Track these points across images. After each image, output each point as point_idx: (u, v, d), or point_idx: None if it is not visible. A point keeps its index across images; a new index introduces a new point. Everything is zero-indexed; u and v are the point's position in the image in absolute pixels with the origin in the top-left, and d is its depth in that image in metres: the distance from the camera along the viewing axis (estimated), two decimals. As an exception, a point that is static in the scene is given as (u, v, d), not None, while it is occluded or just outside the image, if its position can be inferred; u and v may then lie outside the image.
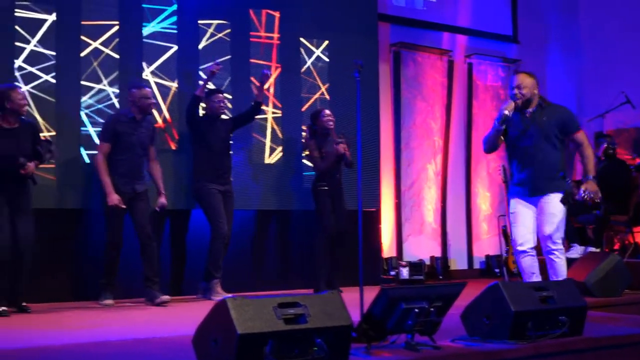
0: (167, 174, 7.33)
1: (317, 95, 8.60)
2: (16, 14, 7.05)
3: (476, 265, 10.26)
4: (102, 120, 7.30)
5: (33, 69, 7.08)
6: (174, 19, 7.83)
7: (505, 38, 10.93)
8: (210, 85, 7.82)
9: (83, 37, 7.36)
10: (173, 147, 7.68)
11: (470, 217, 10.31)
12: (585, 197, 5.65)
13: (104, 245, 6.82)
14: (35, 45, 7.10)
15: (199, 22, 7.99)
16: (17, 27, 7.04)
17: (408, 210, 9.77)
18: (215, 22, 8.07)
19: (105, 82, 7.41)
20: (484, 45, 10.64)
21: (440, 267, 9.66)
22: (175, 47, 7.81)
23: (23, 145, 6.23)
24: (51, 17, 7.19)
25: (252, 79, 8.16)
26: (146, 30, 7.68)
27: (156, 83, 7.64)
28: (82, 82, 7.32)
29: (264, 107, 8.05)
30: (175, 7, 7.84)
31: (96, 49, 7.40)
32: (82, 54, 7.34)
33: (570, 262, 7.45)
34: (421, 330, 4.10)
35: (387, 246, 9.48)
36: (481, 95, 10.53)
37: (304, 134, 8.22)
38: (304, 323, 3.57)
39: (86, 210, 7.28)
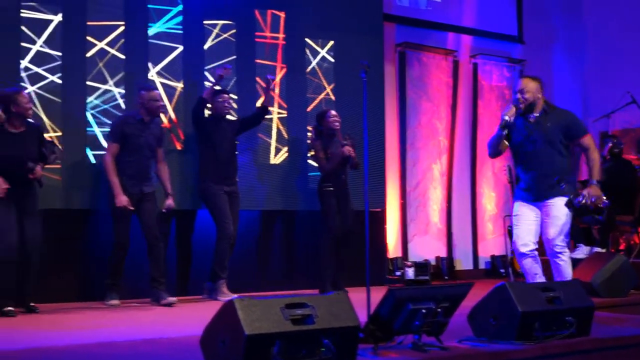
0: (173, 175, 7.33)
1: (322, 96, 8.60)
2: (22, 14, 7.05)
3: (481, 266, 10.25)
4: (107, 121, 7.31)
5: (39, 70, 7.09)
6: (180, 19, 7.83)
7: (511, 38, 10.92)
8: (217, 86, 7.83)
9: (89, 38, 7.36)
10: (179, 147, 7.68)
11: (475, 217, 10.29)
12: (585, 201, 5.61)
13: (111, 246, 6.83)
14: (41, 46, 7.11)
15: (205, 22, 7.99)
16: (23, 28, 7.04)
17: (413, 210, 9.77)
18: (221, 22, 8.07)
19: (111, 82, 7.42)
20: (489, 46, 10.63)
21: (446, 268, 9.65)
22: (181, 48, 7.81)
23: (30, 149, 6.24)
24: (57, 18, 7.20)
25: (258, 79, 8.16)
26: (152, 31, 7.68)
27: (162, 83, 7.65)
28: (88, 83, 7.33)
29: (269, 108, 8.05)
30: (180, 7, 7.84)
31: (102, 49, 7.41)
32: (88, 55, 7.35)
33: (576, 262, 7.44)
34: (428, 331, 4.11)
35: (393, 246, 9.47)
36: (486, 95, 10.52)
37: (309, 134, 8.22)
38: (312, 324, 3.58)
39: (92, 210, 7.29)
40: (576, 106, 10.52)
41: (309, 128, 8.24)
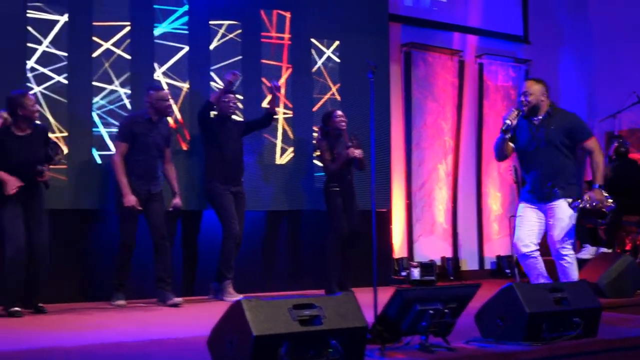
0: (179, 175, 7.32)
1: (327, 96, 8.60)
2: (28, 15, 7.06)
3: (487, 266, 10.23)
4: (113, 121, 7.32)
5: (45, 70, 7.10)
6: (185, 19, 7.83)
7: (516, 38, 10.90)
8: (221, 85, 7.84)
9: (94, 38, 7.36)
10: (184, 147, 7.68)
11: (481, 218, 10.28)
12: (584, 205, 5.59)
13: (117, 246, 6.83)
14: (47, 46, 7.12)
15: (210, 22, 7.99)
16: (29, 28, 7.05)
17: (419, 210, 9.76)
18: (226, 22, 8.07)
19: (116, 82, 7.42)
20: (494, 46, 10.61)
21: (451, 268, 9.64)
22: (187, 48, 7.81)
23: (37, 151, 6.26)
24: (63, 18, 7.21)
25: (264, 79, 8.17)
26: (157, 31, 7.68)
27: (167, 84, 7.64)
28: (94, 83, 7.33)
29: (275, 109, 8.09)
30: (186, 7, 7.84)
31: (108, 49, 7.41)
32: (94, 55, 7.35)
33: (582, 263, 7.44)
34: (435, 332, 4.11)
35: (398, 247, 9.46)
36: (492, 96, 10.51)
37: (315, 134, 8.21)
38: (319, 325, 3.58)
39: (98, 211, 7.30)
40: (582, 106, 10.51)
41: (315, 128, 8.24)
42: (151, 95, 6.94)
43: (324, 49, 8.65)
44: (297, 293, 7.79)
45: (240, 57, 8.11)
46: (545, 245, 5.83)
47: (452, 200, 10.03)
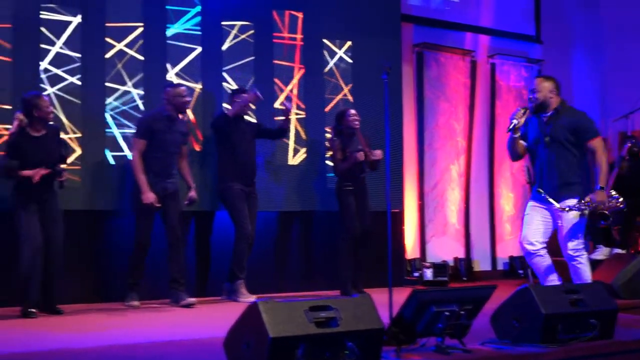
0: (192, 175, 7.32)
1: (340, 96, 8.59)
2: (41, 16, 7.07)
3: (500, 267, 10.21)
4: (127, 122, 7.33)
5: (59, 71, 7.11)
6: (198, 20, 7.84)
7: (528, 38, 10.87)
8: (234, 85, 7.85)
9: (108, 39, 7.37)
10: (197, 148, 7.68)
11: (493, 218, 10.26)
12: (586, 207, 5.56)
13: (132, 246, 6.84)
14: (60, 47, 7.13)
15: (223, 23, 7.99)
16: (42, 29, 7.06)
17: (431, 211, 9.74)
18: (239, 23, 8.07)
19: (129, 83, 7.43)
20: (506, 46, 10.59)
21: (464, 269, 9.62)
22: (199, 49, 7.82)
23: (52, 152, 6.28)
24: (76, 19, 7.22)
25: (276, 80, 8.17)
26: (170, 32, 7.69)
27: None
28: (107, 84, 7.34)
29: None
30: (198, 8, 7.85)
31: (121, 50, 7.42)
32: (107, 56, 7.36)
33: (596, 264, 7.41)
34: (451, 333, 4.10)
35: (411, 247, 9.45)
36: (504, 96, 10.48)
37: (327, 135, 8.21)
38: (336, 326, 3.58)
39: (111, 211, 7.31)
40: (595, 106, 10.47)
41: (327, 129, 8.24)
42: (168, 92, 6.95)
43: (336, 49, 8.64)
44: (311, 294, 7.81)
45: (252, 57, 8.11)
46: (556, 244, 5.80)
47: (465, 201, 10.01)
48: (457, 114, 10.05)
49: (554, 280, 5.69)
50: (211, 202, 7.66)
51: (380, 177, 8.12)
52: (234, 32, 8.04)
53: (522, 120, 5.76)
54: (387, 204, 5.22)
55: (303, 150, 8.31)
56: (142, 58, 7.51)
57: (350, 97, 8.62)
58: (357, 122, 7.73)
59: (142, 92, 7.47)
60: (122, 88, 7.41)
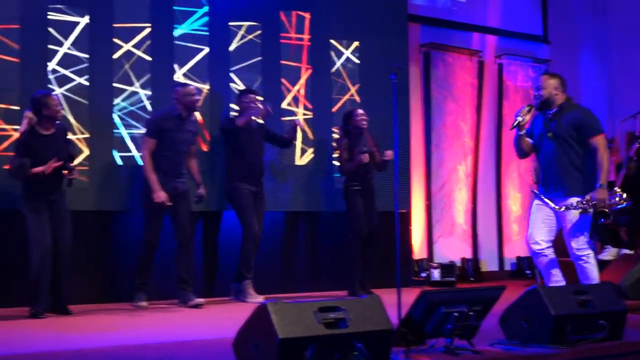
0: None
1: (347, 97, 8.59)
2: (49, 17, 7.08)
3: (507, 267, 10.21)
4: (134, 123, 7.34)
5: (66, 72, 7.12)
6: (205, 20, 7.84)
7: (536, 38, 10.86)
8: (241, 86, 7.85)
9: (115, 40, 7.38)
10: (205, 149, 7.68)
11: (501, 219, 10.25)
12: (586, 206, 5.53)
13: (140, 246, 6.85)
14: (68, 48, 7.14)
15: (230, 24, 7.99)
16: (50, 30, 7.07)
17: (438, 211, 9.74)
18: (246, 23, 8.08)
19: (137, 84, 7.44)
20: (514, 46, 10.58)
21: (471, 269, 9.61)
22: (207, 49, 7.82)
23: (61, 150, 6.28)
24: (84, 20, 7.23)
25: (284, 80, 8.18)
26: (177, 32, 7.70)
27: (188, 85, 7.65)
28: (115, 85, 7.35)
29: (294, 109, 8.08)
30: (206, 9, 7.85)
31: (128, 51, 7.43)
32: (115, 56, 7.37)
33: (604, 264, 7.39)
34: (460, 334, 4.09)
35: (418, 248, 9.44)
36: (511, 96, 10.47)
37: (334, 135, 8.21)
38: (345, 327, 3.57)
39: (119, 212, 7.32)
40: (602, 106, 10.44)
41: (334, 129, 8.24)
42: (178, 92, 6.96)
43: (343, 49, 8.64)
44: (318, 294, 7.81)
45: (259, 58, 8.11)
46: (563, 244, 5.78)
47: (472, 201, 10.00)
48: (464, 114, 10.04)
49: (558, 278, 5.67)
50: (219, 202, 7.67)
51: (387, 178, 8.12)
52: (241, 32, 8.04)
53: (527, 117, 5.75)
54: (395, 205, 5.20)
55: (310, 150, 8.31)
56: (149, 59, 7.52)
57: (357, 98, 8.62)
58: (364, 122, 7.73)
59: (149, 93, 7.48)
60: (130, 89, 7.41)
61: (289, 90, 8.24)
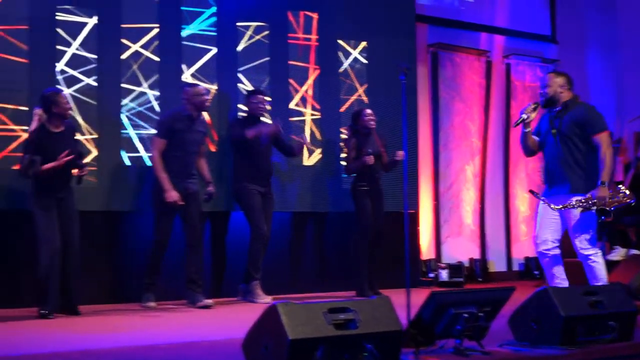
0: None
1: (354, 97, 8.58)
2: (57, 17, 7.09)
3: (515, 267, 10.19)
4: (142, 123, 7.35)
5: (75, 72, 7.13)
6: (213, 20, 7.85)
7: (544, 38, 10.85)
8: (249, 86, 7.85)
9: (123, 40, 7.39)
10: (213, 149, 7.68)
11: (509, 219, 10.24)
12: (586, 204, 5.51)
13: (150, 245, 6.85)
14: (76, 49, 7.15)
15: (238, 24, 8.00)
16: (58, 30, 7.08)
17: (446, 211, 9.73)
18: (254, 24, 8.08)
19: (145, 85, 7.45)
20: (522, 46, 10.56)
21: (479, 269, 9.60)
22: (215, 50, 7.82)
23: (72, 148, 6.28)
24: (92, 21, 7.24)
25: (291, 80, 8.18)
26: (185, 33, 7.70)
27: (196, 85, 7.66)
28: (123, 85, 7.36)
29: (302, 109, 8.09)
30: (214, 9, 7.86)
31: (136, 51, 7.44)
32: (123, 57, 7.38)
33: (612, 265, 7.37)
34: (470, 335, 4.08)
35: (426, 248, 9.44)
36: (520, 96, 10.45)
37: (342, 135, 8.21)
38: (355, 328, 3.57)
39: (127, 212, 7.33)
40: (610, 106, 10.41)
41: (342, 130, 8.24)
42: (187, 92, 6.96)
43: (350, 50, 8.63)
44: (326, 294, 7.81)
45: (267, 58, 8.11)
46: (569, 244, 5.76)
47: (480, 202, 9.99)
48: (472, 114, 10.03)
49: (560, 279, 5.65)
50: (227, 202, 7.67)
51: (395, 178, 8.12)
52: (249, 32, 8.04)
53: (533, 115, 5.74)
54: (404, 205, 5.19)
55: (318, 150, 8.30)
56: (157, 59, 7.52)
57: (365, 98, 8.61)
58: (372, 122, 7.73)
59: (157, 93, 7.49)
60: (138, 89, 7.42)
61: (296, 91, 8.24)
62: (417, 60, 9.27)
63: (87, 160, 6.93)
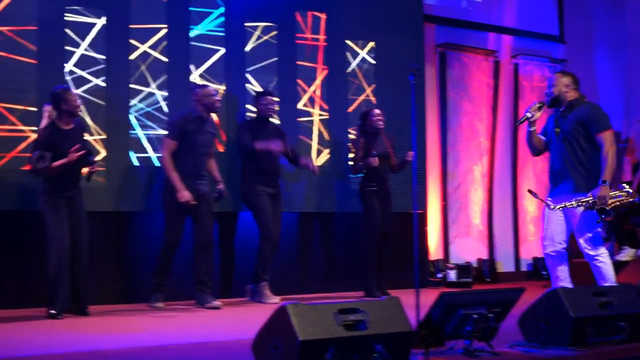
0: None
1: (362, 97, 8.58)
2: (66, 18, 7.10)
3: (523, 268, 10.18)
4: (150, 124, 7.36)
5: (83, 73, 7.14)
6: (221, 21, 7.85)
7: (552, 38, 10.82)
8: (257, 87, 7.86)
9: (132, 41, 7.40)
10: (221, 149, 7.68)
11: (517, 219, 10.22)
12: (586, 203, 5.49)
13: (159, 246, 6.85)
14: (85, 49, 7.16)
15: (246, 24, 8.00)
16: (67, 31, 7.09)
17: (454, 212, 9.72)
18: (262, 24, 8.08)
19: (153, 85, 7.45)
20: (530, 46, 10.54)
21: (488, 270, 9.59)
22: (223, 50, 7.83)
23: (81, 145, 6.29)
24: (100, 21, 7.25)
25: (299, 81, 8.18)
26: (193, 33, 7.71)
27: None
28: (131, 86, 7.37)
29: (310, 110, 8.08)
30: (222, 9, 7.86)
31: (145, 52, 7.45)
32: (131, 57, 7.39)
33: (621, 265, 7.36)
34: (479, 336, 4.07)
35: (434, 248, 9.43)
36: (527, 96, 10.43)
37: (350, 136, 8.21)
38: (364, 329, 3.57)
39: (136, 212, 7.33)
40: (619, 106, 10.40)
41: (350, 130, 8.24)
42: (197, 93, 6.96)
43: (358, 50, 8.63)
44: (334, 295, 7.81)
45: (275, 58, 8.12)
46: (576, 245, 5.75)
47: (488, 202, 9.98)
48: (480, 114, 10.02)
49: (565, 279, 5.64)
50: (235, 203, 7.67)
51: (403, 178, 8.11)
52: (257, 33, 8.04)
53: (538, 114, 5.73)
54: (413, 205, 5.19)
55: (326, 151, 8.30)
56: (165, 59, 7.53)
57: (373, 98, 8.61)
58: (381, 122, 7.74)
59: (165, 94, 7.49)
60: (146, 90, 7.43)
61: (304, 91, 8.24)
62: (425, 60, 9.27)
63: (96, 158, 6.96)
